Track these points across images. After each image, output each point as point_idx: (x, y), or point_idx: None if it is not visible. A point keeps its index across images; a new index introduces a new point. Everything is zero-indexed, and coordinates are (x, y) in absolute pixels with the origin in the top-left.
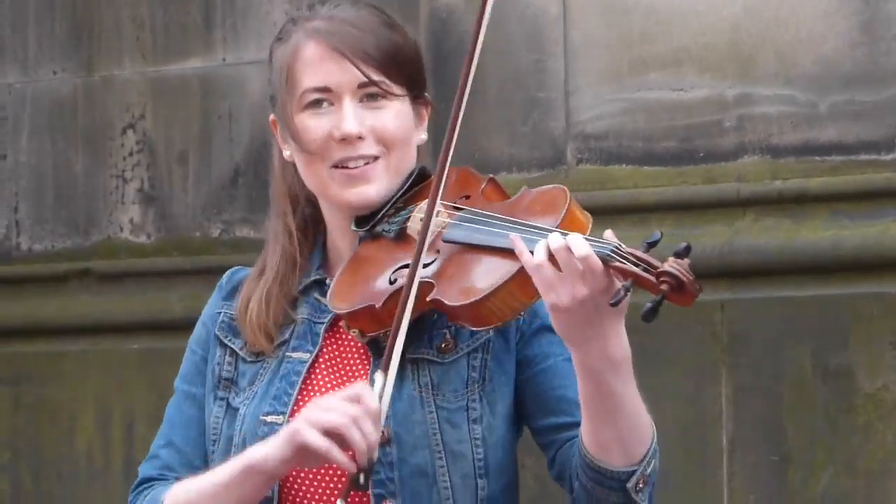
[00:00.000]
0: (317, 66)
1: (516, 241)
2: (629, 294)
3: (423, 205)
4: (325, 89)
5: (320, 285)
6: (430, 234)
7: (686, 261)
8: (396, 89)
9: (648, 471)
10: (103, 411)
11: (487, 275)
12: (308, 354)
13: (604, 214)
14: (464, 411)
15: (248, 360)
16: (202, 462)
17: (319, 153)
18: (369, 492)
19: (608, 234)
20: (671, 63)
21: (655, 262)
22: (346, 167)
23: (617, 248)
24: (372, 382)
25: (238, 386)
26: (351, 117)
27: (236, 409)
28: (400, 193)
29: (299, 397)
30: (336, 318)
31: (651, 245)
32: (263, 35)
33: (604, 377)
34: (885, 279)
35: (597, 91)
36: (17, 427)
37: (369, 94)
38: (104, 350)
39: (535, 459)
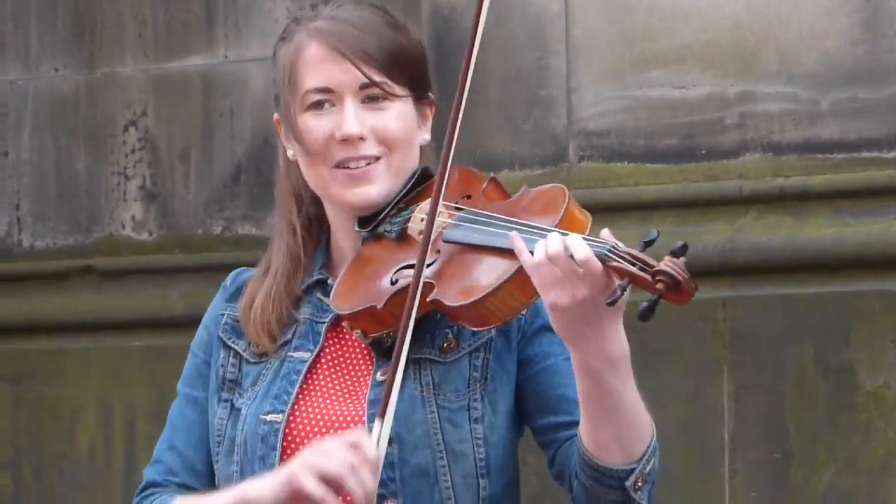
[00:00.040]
0: (318, 66)
1: (516, 240)
2: (626, 293)
3: (424, 205)
4: (327, 90)
5: (323, 285)
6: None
7: (682, 259)
8: (398, 90)
9: (647, 469)
10: (105, 408)
11: (486, 275)
12: (309, 354)
13: (605, 212)
14: (465, 411)
15: (252, 361)
16: (203, 466)
17: (321, 153)
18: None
19: (605, 232)
20: (673, 60)
21: (651, 261)
22: (348, 167)
23: (614, 247)
24: (374, 382)
25: (241, 387)
26: (352, 118)
27: (239, 410)
28: (402, 194)
29: (299, 396)
30: (338, 318)
31: (647, 244)
32: (265, 32)
33: (602, 376)
34: (887, 277)
35: (599, 88)
36: (19, 424)
37: (371, 95)
38: (106, 347)
39: (536, 457)
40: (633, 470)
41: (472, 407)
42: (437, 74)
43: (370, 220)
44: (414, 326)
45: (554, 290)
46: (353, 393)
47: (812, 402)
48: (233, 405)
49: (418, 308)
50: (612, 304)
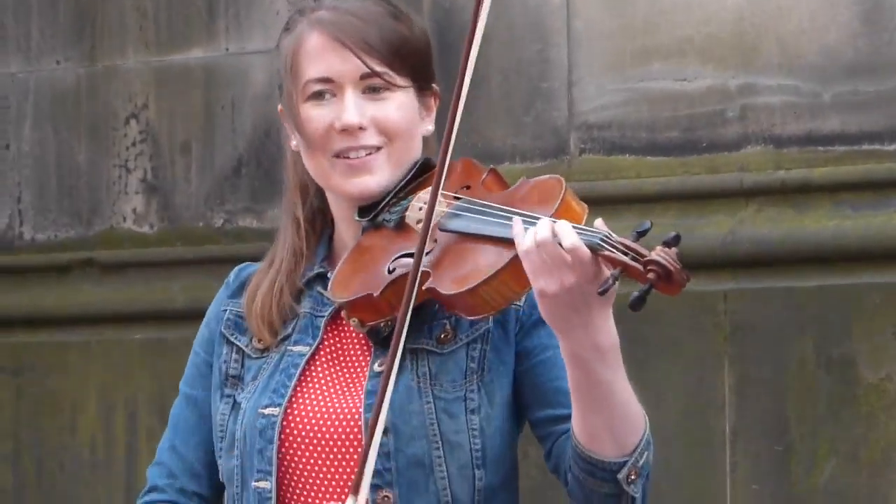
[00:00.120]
0: (319, 56)
1: (517, 224)
2: (617, 283)
3: (422, 194)
4: (328, 80)
5: (323, 278)
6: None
7: (674, 250)
8: (400, 80)
9: (641, 462)
10: (106, 401)
11: (481, 264)
12: (308, 347)
13: (607, 204)
14: (462, 401)
15: (254, 356)
16: (203, 468)
17: (321, 143)
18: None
19: (598, 222)
20: (674, 53)
21: (643, 251)
22: (348, 157)
23: (606, 236)
24: (371, 373)
25: (244, 382)
26: (352, 108)
27: (240, 404)
28: (403, 184)
29: (297, 389)
30: (337, 311)
31: (641, 234)
32: (267, 25)
33: (591, 365)
34: (887, 269)
35: (600, 81)
36: (20, 417)
37: (372, 86)
38: (107, 340)
39: (537, 450)
40: (625, 462)
41: (469, 398)
42: (438, 67)
43: (370, 210)
44: (411, 316)
45: (542, 277)
46: (350, 384)
47: (813, 395)
48: (235, 400)
49: (415, 297)
50: (603, 293)
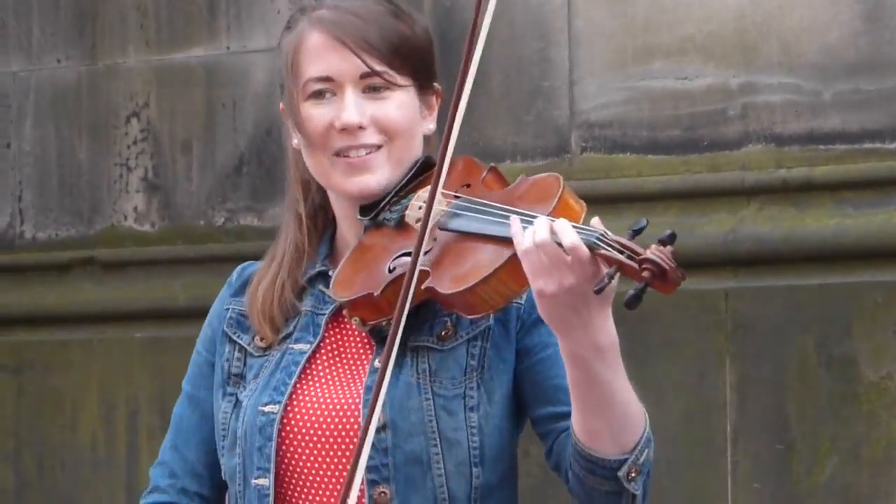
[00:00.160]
0: (319, 55)
1: (515, 223)
2: (613, 281)
3: (422, 193)
4: (328, 79)
5: (325, 277)
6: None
7: (669, 248)
8: (400, 79)
9: (641, 459)
10: (107, 400)
11: (479, 262)
12: (308, 345)
13: (608, 203)
14: (461, 399)
15: (256, 355)
16: (204, 468)
17: (321, 142)
18: (363, 477)
19: (595, 221)
20: (675, 52)
21: (639, 250)
22: (348, 156)
23: (603, 235)
24: (371, 370)
25: (246, 381)
26: (352, 107)
27: (241, 403)
28: (404, 182)
29: (297, 386)
30: (339, 309)
31: (636, 232)
32: (267, 24)
33: (591, 364)
34: (889, 268)
35: (601, 80)
36: (21, 416)
37: (372, 85)
38: (108, 339)
39: (538, 448)
40: (625, 460)
41: (468, 395)
42: (440, 65)
43: (371, 209)
44: (412, 314)
45: (542, 277)
46: (351, 381)
47: (814, 394)
48: (237, 399)
49: (414, 296)
50: (599, 291)
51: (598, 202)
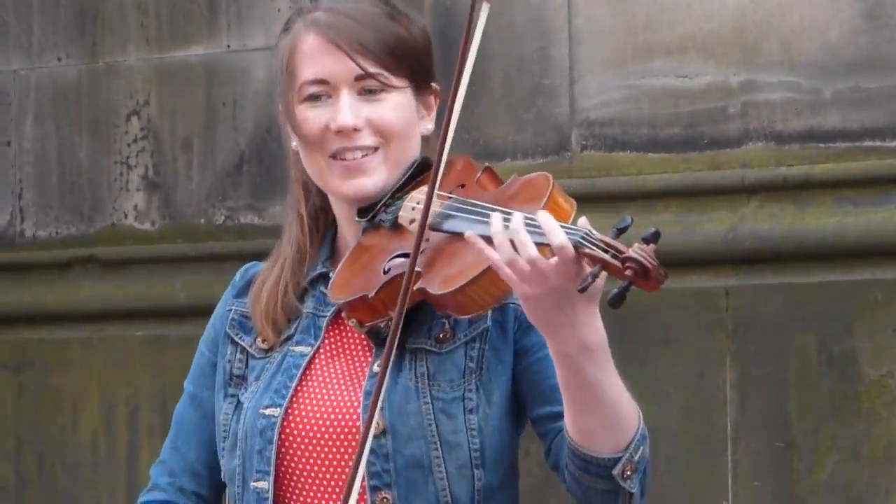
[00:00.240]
0: (314, 58)
1: (473, 238)
2: (599, 280)
3: (415, 194)
4: (323, 82)
5: (325, 278)
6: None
7: (651, 246)
8: (396, 81)
9: (636, 457)
10: (107, 398)
11: (468, 263)
12: (309, 348)
13: (608, 201)
14: (460, 401)
15: (258, 356)
16: (204, 468)
17: (317, 144)
18: (365, 483)
19: (582, 220)
20: (676, 50)
21: (622, 248)
22: (344, 159)
23: (587, 234)
24: (370, 374)
25: (247, 382)
26: (347, 109)
27: (242, 404)
28: (400, 184)
29: (298, 389)
30: (339, 311)
31: (621, 231)
32: (268, 22)
33: (580, 364)
34: (889, 265)
35: (601, 78)
36: (21, 414)
37: (367, 87)
38: (108, 337)
39: (538, 447)
40: (619, 458)
41: (467, 397)
42: (439, 65)
43: (369, 210)
44: (410, 317)
45: (525, 282)
46: (351, 384)
47: (815, 392)
48: (238, 400)
49: (408, 297)
50: (583, 290)
51: (598, 200)
